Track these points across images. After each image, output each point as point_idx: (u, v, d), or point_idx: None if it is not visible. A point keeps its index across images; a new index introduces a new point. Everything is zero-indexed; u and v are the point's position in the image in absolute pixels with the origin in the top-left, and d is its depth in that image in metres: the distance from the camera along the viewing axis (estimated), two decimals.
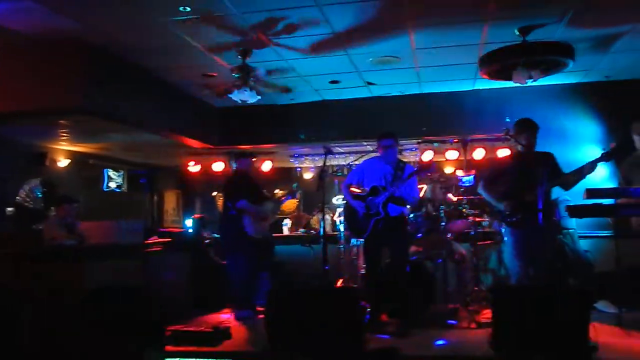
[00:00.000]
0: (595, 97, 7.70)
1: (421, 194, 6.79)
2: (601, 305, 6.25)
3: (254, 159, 7.02)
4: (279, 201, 7.44)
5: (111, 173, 10.97)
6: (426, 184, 7.20)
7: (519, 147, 5.57)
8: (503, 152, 8.32)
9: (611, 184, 7.25)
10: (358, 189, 6.05)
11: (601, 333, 4.12)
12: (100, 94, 6.32)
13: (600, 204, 5.32)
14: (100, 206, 9.74)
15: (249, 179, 6.84)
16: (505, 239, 5.64)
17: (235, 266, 6.56)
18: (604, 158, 5.22)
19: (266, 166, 9.48)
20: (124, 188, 11.26)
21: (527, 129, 5.49)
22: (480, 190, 5.77)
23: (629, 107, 7.32)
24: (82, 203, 7.42)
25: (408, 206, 6.14)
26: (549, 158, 5.51)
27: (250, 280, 6.54)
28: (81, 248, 6.28)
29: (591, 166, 5.18)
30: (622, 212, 5.47)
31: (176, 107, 7.87)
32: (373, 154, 7.98)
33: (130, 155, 10.40)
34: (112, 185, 10.98)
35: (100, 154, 10.01)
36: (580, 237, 7.06)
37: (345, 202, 6.23)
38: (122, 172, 11.22)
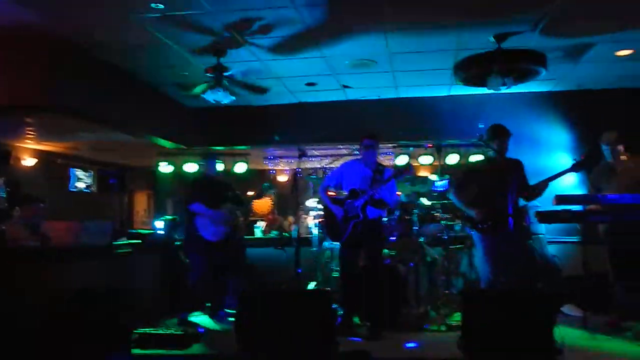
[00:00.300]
0: (567, 106, 7.83)
1: None
2: (567, 308, 6.35)
3: (217, 161, 6.88)
4: (247, 203, 7.34)
5: (80, 173, 10.79)
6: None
7: (491, 153, 5.63)
8: (476, 158, 8.41)
9: (580, 191, 7.38)
10: (335, 192, 6.07)
11: (567, 336, 4.18)
12: (69, 92, 6.16)
13: (569, 210, 5.41)
14: (68, 207, 9.58)
15: (211, 180, 6.73)
16: (476, 244, 5.69)
17: (191, 268, 6.55)
18: (574, 168, 5.32)
19: (240, 168, 9.41)
20: (93, 188, 11.09)
21: (499, 135, 5.55)
22: (450, 195, 5.79)
23: (599, 117, 7.45)
24: (48, 203, 7.26)
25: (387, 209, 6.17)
26: (518, 165, 5.59)
27: (203, 282, 6.45)
28: (45, 249, 6.00)
29: (558, 176, 5.31)
30: (590, 219, 5.57)
31: (148, 106, 7.74)
32: (348, 157, 8.02)
33: (100, 155, 10.24)
34: (81, 185, 10.80)
35: (69, 153, 9.84)
36: (549, 242, 7.17)
37: (322, 205, 6.21)
38: (91, 172, 11.04)
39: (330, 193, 6.06)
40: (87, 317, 4.19)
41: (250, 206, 7.12)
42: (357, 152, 8.15)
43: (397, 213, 6.78)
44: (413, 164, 9.20)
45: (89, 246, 6.40)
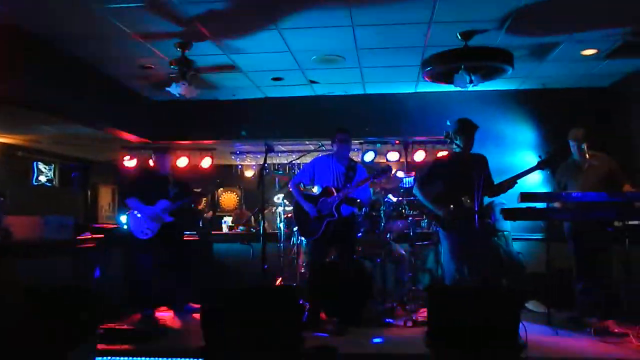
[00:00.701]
0: (532, 105, 7.92)
1: None
2: (531, 305, 6.44)
3: (163, 155, 6.56)
4: (192, 199, 7.12)
5: (41, 166, 10.56)
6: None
7: (455, 148, 5.65)
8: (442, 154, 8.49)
9: (545, 189, 7.48)
10: (303, 188, 6.05)
11: (530, 331, 4.23)
12: (30, 84, 5.97)
13: (533, 208, 5.47)
14: (29, 201, 9.36)
15: (154, 175, 6.58)
16: (442, 241, 5.72)
17: (136, 266, 6.45)
18: (539, 166, 5.38)
19: (206, 162, 9.31)
20: (55, 182, 10.86)
21: (466, 130, 5.58)
22: (415, 191, 5.77)
23: (563, 115, 7.57)
24: (10, 197, 7.09)
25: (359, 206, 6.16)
26: (483, 160, 5.63)
27: (138, 279, 6.33)
28: (6, 244, 5.95)
29: (524, 175, 5.38)
30: (554, 216, 5.66)
31: (112, 99, 7.56)
32: (315, 153, 7.99)
33: (62, 148, 10.01)
34: (42, 179, 10.56)
35: (30, 146, 9.60)
36: (514, 239, 7.25)
37: (293, 202, 6.16)
38: (52, 166, 10.80)
39: (301, 189, 6.04)
40: (48, 312, 4.07)
41: (187, 203, 6.64)
42: (324, 148, 8.17)
43: (364, 210, 6.78)
44: (380, 161, 9.25)
45: (51, 241, 6.31)
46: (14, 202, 7.83)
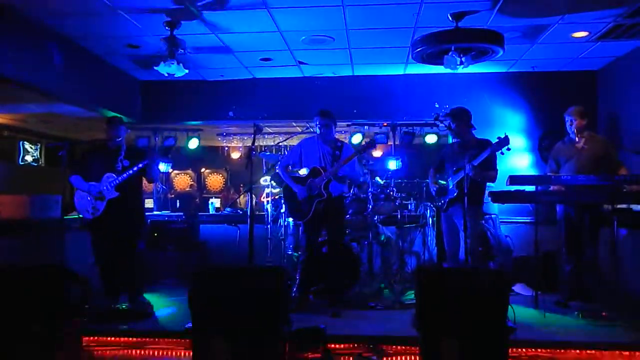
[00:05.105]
0: (521, 87, 7.90)
1: None
2: (519, 287, 6.47)
3: (112, 126, 5.82)
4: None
5: (27, 146, 10.45)
6: None
7: (453, 134, 5.87)
8: (431, 138, 8.52)
9: (533, 172, 7.51)
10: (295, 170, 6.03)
11: (518, 314, 4.24)
12: (14, 60, 5.78)
13: (521, 191, 5.48)
14: (16, 180, 9.29)
15: (102, 149, 5.93)
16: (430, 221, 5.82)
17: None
18: (496, 147, 5.42)
19: (193, 144, 9.22)
20: (42, 162, 10.75)
21: (462, 118, 5.77)
22: (429, 180, 6.22)
23: (553, 98, 7.58)
24: None
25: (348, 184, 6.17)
26: (481, 145, 5.62)
27: (97, 263, 5.85)
28: None
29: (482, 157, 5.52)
30: (543, 199, 5.65)
31: (97, 78, 7.42)
32: (303, 135, 7.93)
33: (48, 127, 9.89)
34: (29, 158, 10.46)
35: (16, 125, 9.49)
36: (502, 222, 7.26)
37: (282, 184, 6.12)
38: (38, 145, 10.70)
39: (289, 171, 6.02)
40: (34, 292, 4.01)
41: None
42: (311, 130, 8.11)
43: (353, 190, 6.76)
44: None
45: (37, 220, 6.23)
46: (0, 181, 7.76)
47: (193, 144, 9.24)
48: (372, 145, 6.09)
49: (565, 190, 5.45)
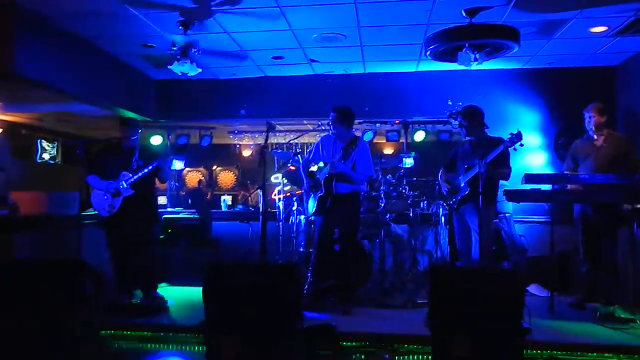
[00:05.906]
0: (537, 84, 7.78)
1: None
2: (533, 288, 6.37)
3: (126, 127, 6.00)
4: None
5: (44, 144, 10.54)
6: None
7: (465, 132, 5.77)
8: (444, 135, 8.43)
9: (549, 170, 7.39)
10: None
11: (533, 315, 4.15)
12: (31, 61, 5.84)
13: (537, 190, 5.38)
14: (34, 178, 9.42)
15: (117, 149, 6.06)
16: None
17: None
18: (508, 143, 5.32)
19: (205, 142, 9.23)
20: (58, 159, 10.85)
21: (474, 116, 5.70)
22: (439, 179, 6.08)
23: (570, 95, 7.45)
24: (14, 174, 7.12)
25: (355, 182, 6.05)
26: (493, 143, 5.52)
27: (112, 261, 5.93)
28: (14, 218, 6.11)
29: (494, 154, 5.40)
30: (559, 198, 5.54)
31: (113, 77, 7.48)
32: (313, 133, 7.91)
33: (64, 126, 10.01)
34: (46, 156, 10.56)
35: (33, 124, 9.60)
36: (516, 221, 7.16)
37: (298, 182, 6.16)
38: (55, 143, 10.80)
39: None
40: (54, 286, 4.02)
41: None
42: (323, 128, 8.06)
43: (365, 189, 6.70)
44: (379, 141, 9.15)
45: (56, 216, 6.53)
46: (18, 178, 7.86)
47: (205, 141, 9.20)
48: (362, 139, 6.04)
49: (583, 189, 5.34)
